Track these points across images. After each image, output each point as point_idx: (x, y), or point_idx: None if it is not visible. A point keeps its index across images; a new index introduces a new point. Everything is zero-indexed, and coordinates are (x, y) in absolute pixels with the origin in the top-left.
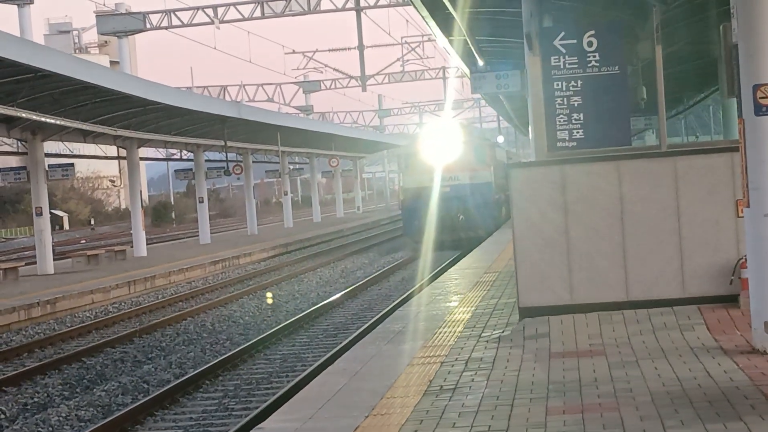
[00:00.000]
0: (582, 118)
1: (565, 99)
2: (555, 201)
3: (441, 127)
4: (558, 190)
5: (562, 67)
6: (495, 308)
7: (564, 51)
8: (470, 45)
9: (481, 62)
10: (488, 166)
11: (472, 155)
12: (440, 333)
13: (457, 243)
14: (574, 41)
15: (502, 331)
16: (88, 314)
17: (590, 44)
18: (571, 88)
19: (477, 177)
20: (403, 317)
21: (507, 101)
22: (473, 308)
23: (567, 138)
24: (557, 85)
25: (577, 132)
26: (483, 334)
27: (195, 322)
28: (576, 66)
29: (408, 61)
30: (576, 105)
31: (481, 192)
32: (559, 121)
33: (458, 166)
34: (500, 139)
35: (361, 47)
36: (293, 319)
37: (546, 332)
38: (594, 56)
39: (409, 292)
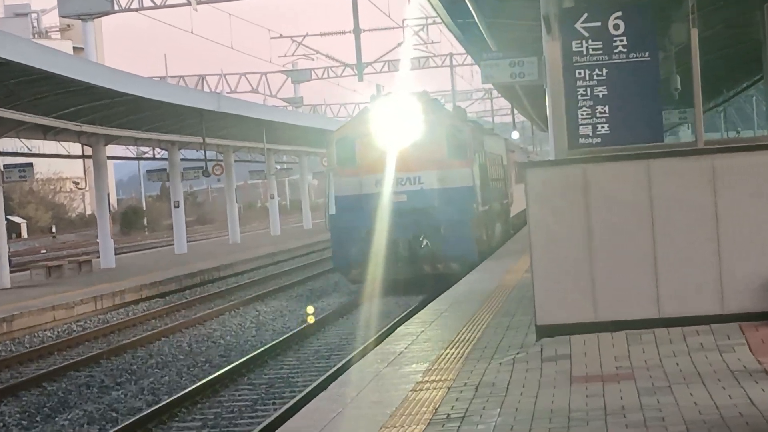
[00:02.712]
0: (607, 112)
1: (589, 89)
2: (576, 205)
3: (392, 99)
4: (580, 192)
5: (584, 53)
6: (509, 327)
7: (587, 35)
8: (480, 28)
9: (493, 48)
10: (469, 160)
11: (443, 144)
12: (447, 354)
13: (419, 282)
14: (599, 24)
15: (517, 353)
16: (49, 334)
17: (617, 27)
18: (595, 77)
19: (450, 178)
20: (404, 335)
21: (522, 92)
22: (484, 326)
23: (590, 134)
24: (579, 73)
25: (602, 127)
26: (495, 356)
27: (170, 343)
28: (601, 52)
29: (410, 46)
30: (601, 96)
31: (457, 201)
32: (582, 115)
33: (420, 162)
34: (515, 135)
35: (357, 31)
36: (281, 339)
37: (567, 353)
38: (621, 41)
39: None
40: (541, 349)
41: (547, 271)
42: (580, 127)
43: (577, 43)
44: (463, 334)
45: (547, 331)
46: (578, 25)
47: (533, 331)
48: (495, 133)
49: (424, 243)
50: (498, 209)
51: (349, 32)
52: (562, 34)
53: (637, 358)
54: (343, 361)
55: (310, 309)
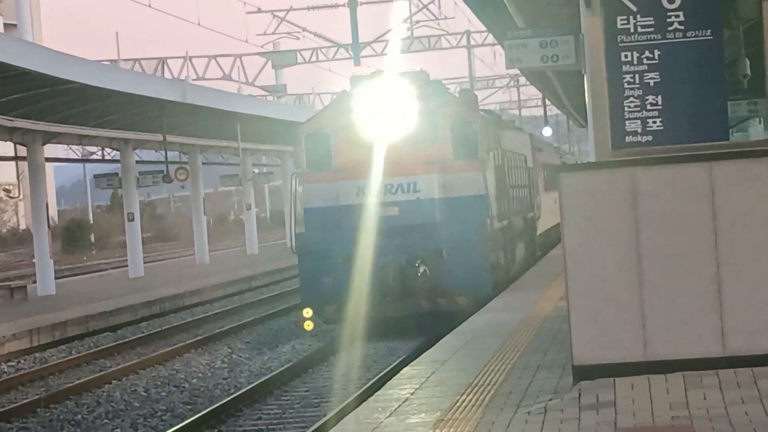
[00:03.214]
0: (660, 103)
1: (637, 76)
2: (622, 218)
3: (378, 81)
4: (627, 202)
5: (632, 31)
6: (539, 367)
7: (635, 9)
8: (505, 0)
9: (520, 25)
10: (480, 161)
11: (447, 140)
12: (463, 401)
13: (416, 321)
14: None
15: (550, 399)
16: None
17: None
18: (645, 61)
19: (456, 184)
20: (411, 377)
21: (556, 79)
22: (509, 367)
23: (639, 130)
24: (626, 56)
25: (654, 122)
26: (523, 404)
27: (122, 387)
28: (652, 30)
29: (418, 23)
30: (652, 84)
31: (464, 215)
32: (629, 107)
33: (416, 163)
34: (547, 131)
35: (353, 4)
36: (259, 381)
37: (611, 400)
38: (677, 16)
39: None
40: (579, 394)
41: (586, 300)
42: (627, 123)
43: (622, 19)
44: (483, 376)
45: (586, 373)
46: None
47: (569, 372)
48: (517, 127)
49: (422, 270)
50: (520, 225)
51: (344, 6)
52: (605, 8)
53: (697, 405)
54: (335, 410)
55: (307, 312)
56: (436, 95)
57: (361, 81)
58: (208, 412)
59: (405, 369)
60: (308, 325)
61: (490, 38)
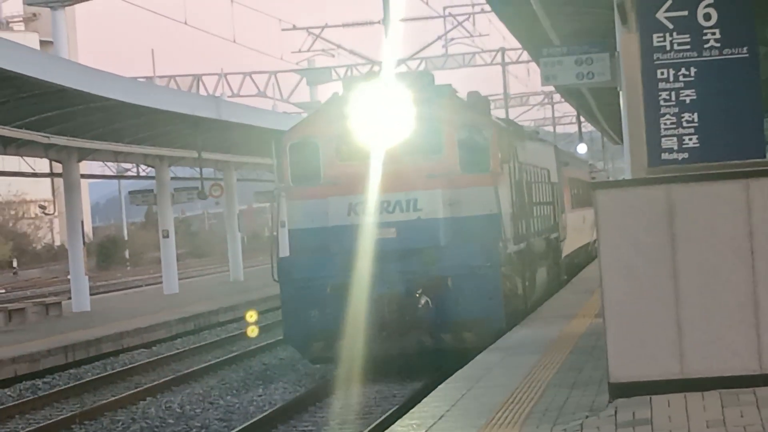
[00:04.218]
0: (696, 120)
1: (673, 93)
2: (659, 235)
3: (374, 83)
4: (663, 219)
5: (668, 48)
6: (575, 384)
7: (671, 26)
8: (540, 18)
9: (555, 42)
10: (493, 174)
11: (454, 150)
12: (498, 418)
13: (417, 360)
14: (686, 13)
15: (586, 416)
16: (9, 393)
17: (708, 17)
18: (681, 79)
19: (464, 201)
20: (445, 396)
21: (591, 96)
22: (545, 383)
23: (675, 147)
24: (662, 73)
25: (690, 139)
26: (558, 421)
27: (157, 404)
28: (688, 47)
29: (453, 40)
30: (688, 102)
31: (474, 237)
32: (665, 125)
33: (417, 177)
34: (582, 148)
35: (387, 21)
36: (294, 397)
37: (647, 417)
38: (713, 33)
39: None
40: (616, 412)
41: (622, 316)
42: (663, 140)
43: (658, 37)
44: (518, 393)
45: (622, 390)
46: (660, 15)
47: (605, 389)
48: (539, 137)
49: (423, 302)
50: (541, 247)
51: (378, 23)
52: (641, 26)
53: (735, 422)
54: (376, 423)
55: (251, 315)
56: (440, 99)
57: (355, 83)
58: (243, 428)
59: (440, 386)
60: (252, 331)
61: (525, 55)
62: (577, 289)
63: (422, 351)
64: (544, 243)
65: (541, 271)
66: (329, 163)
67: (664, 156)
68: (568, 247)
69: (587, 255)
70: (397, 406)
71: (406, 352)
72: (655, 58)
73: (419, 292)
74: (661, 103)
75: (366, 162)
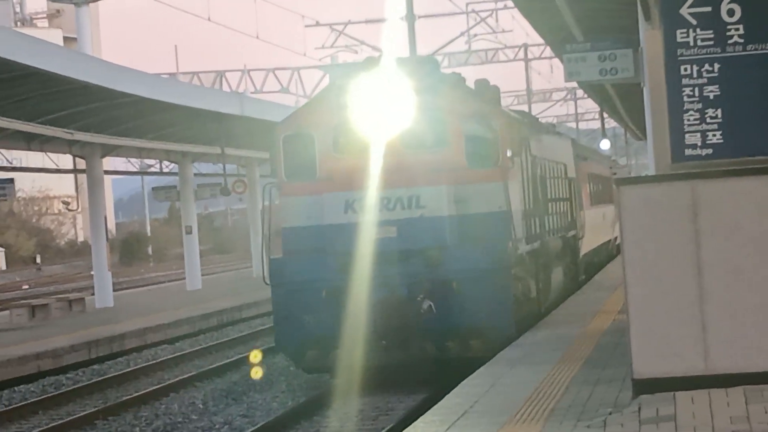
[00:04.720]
0: (720, 116)
1: (697, 89)
2: (683, 231)
3: (374, 69)
4: (687, 216)
5: (691, 44)
6: (599, 381)
7: (695, 22)
8: (563, 13)
9: (578, 38)
10: (502, 169)
11: (459, 143)
12: (521, 414)
13: (419, 371)
14: (709, 9)
15: (610, 412)
16: (32, 389)
17: (731, 13)
18: (704, 74)
19: (471, 198)
20: (468, 393)
21: (614, 92)
22: (568, 379)
23: (699, 143)
24: (685, 69)
25: (714, 135)
26: (582, 417)
27: (180, 400)
28: (711, 43)
29: (476, 36)
30: (712, 98)
31: (481, 237)
32: (689, 121)
33: (420, 171)
34: (605, 144)
35: (410, 18)
36: (318, 393)
37: (671, 414)
38: (737, 29)
39: None
40: (639, 408)
41: (646, 313)
42: (687, 136)
43: (682, 33)
44: (542, 389)
45: (646, 387)
46: (684, 11)
47: (629, 386)
48: (555, 131)
49: (426, 307)
50: (557, 246)
51: (402, 19)
52: (664, 22)
53: (759, 419)
54: (396, 421)
55: (256, 356)
56: (447, 88)
57: (351, 69)
58: (266, 424)
59: (464, 381)
60: (256, 373)
61: (548, 51)
62: (599, 286)
63: (425, 360)
64: (560, 242)
65: (556, 272)
66: (325, 156)
67: (688, 152)
68: (586, 246)
69: (608, 253)
70: (392, 424)
71: (407, 362)
72: (678, 54)
73: (421, 296)
74: (685, 99)
75: (365, 155)
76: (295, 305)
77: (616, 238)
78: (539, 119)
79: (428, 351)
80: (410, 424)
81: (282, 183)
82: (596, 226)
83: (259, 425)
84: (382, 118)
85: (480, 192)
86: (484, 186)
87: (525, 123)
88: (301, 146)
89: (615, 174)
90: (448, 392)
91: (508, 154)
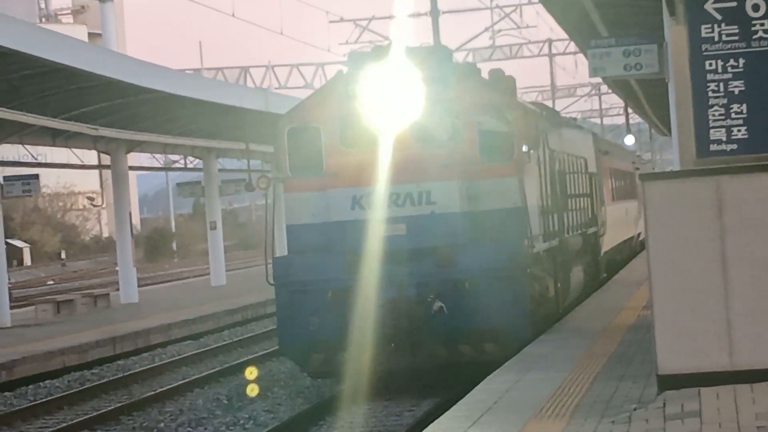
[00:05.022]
0: (745, 112)
1: (722, 84)
2: (708, 227)
3: (383, 58)
4: (712, 211)
5: (716, 39)
6: (623, 376)
7: (719, 17)
8: (588, 9)
9: (603, 33)
10: (517, 163)
11: (473, 136)
12: (546, 410)
13: (431, 375)
14: (734, 4)
15: (635, 408)
16: (57, 384)
17: (756, 8)
18: (729, 70)
19: (484, 194)
20: (491, 389)
21: (639, 88)
22: (593, 375)
23: (724, 139)
24: (710, 64)
25: (738, 130)
26: (607, 413)
27: (205, 395)
28: (736, 38)
29: (500, 31)
30: (737, 93)
31: (495, 235)
32: (713, 116)
33: (431, 166)
34: (629, 139)
35: (435, 13)
36: (343, 388)
37: (696, 410)
38: (762, 24)
39: None
40: (664, 404)
41: (671, 309)
42: (711, 131)
43: (707, 28)
44: (566, 385)
45: (671, 382)
46: (709, 6)
47: (654, 382)
48: (575, 124)
49: (437, 308)
50: (577, 244)
51: (426, 14)
52: (689, 17)
53: None
54: (415, 419)
55: (251, 372)
56: (459, 78)
57: (362, 59)
58: (290, 419)
59: (489, 377)
60: (252, 390)
61: (572, 46)
62: (624, 283)
63: (435, 365)
64: (580, 239)
65: (576, 271)
66: (332, 150)
67: (713, 147)
68: (608, 243)
69: (631, 250)
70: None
71: (417, 366)
72: (703, 49)
73: (432, 297)
74: (710, 94)
75: (373, 149)
76: (300, 306)
77: (639, 235)
78: (559, 112)
79: (439, 355)
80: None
81: (286, 178)
82: (618, 223)
83: (283, 420)
84: (391, 109)
85: (494, 187)
86: (498, 181)
87: (542, 115)
88: (307, 139)
89: (638, 169)
90: (461, 398)
91: (524, 147)
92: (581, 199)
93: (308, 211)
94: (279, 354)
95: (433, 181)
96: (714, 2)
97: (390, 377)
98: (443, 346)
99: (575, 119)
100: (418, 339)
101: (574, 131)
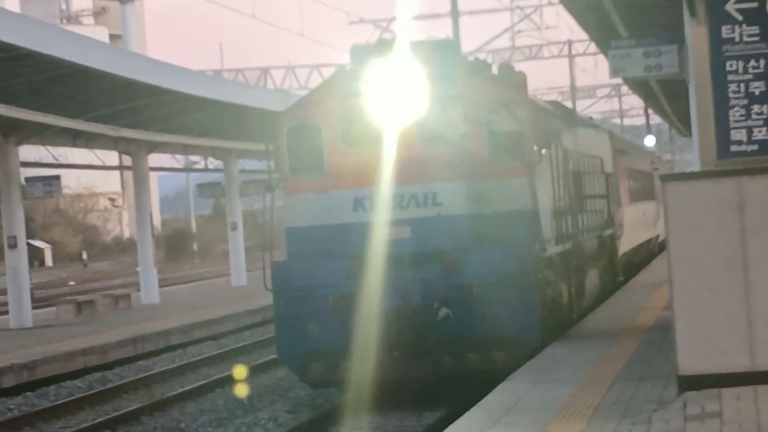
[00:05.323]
0: (766, 112)
1: (743, 85)
2: (729, 228)
3: (387, 53)
4: (733, 212)
5: (737, 40)
6: (643, 377)
7: (740, 18)
8: (608, 9)
9: (623, 34)
10: (528, 163)
11: (481, 134)
12: (566, 411)
13: (438, 383)
14: (755, 4)
15: (655, 409)
16: (78, 384)
17: None
18: (750, 71)
19: (493, 195)
20: (512, 390)
21: (659, 89)
22: (613, 376)
23: (745, 139)
24: (731, 65)
25: (759, 131)
26: (626, 414)
27: (226, 395)
28: (758, 39)
29: (520, 32)
30: (757, 94)
31: (504, 238)
32: (734, 117)
33: (437, 166)
34: (650, 140)
35: (455, 14)
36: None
37: (717, 411)
38: None
39: None
40: (684, 405)
41: (691, 310)
42: (732, 132)
43: (727, 29)
44: (585, 386)
45: (691, 383)
46: (729, 7)
47: (674, 383)
48: (591, 123)
49: (443, 315)
50: (592, 246)
51: (446, 15)
52: (710, 18)
53: None
54: (435, 419)
55: (240, 371)
56: (467, 73)
57: (365, 54)
58: (310, 420)
59: (507, 378)
60: (240, 389)
61: (592, 47)
62: (643, 284)
63: (442, 374)
64: (595, 242)
65: (591, 275)
66: (333, 149)
67: (734, 148)
68: (625, 245)
69: (649, 252)
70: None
71: (422, 376)
72: (724, 50)
73: (438, 303)
74: (731, 95)
75: (376, 148)
76: (299, 313)
77: (658, 236)
78: (574, 110)
79: (445, 364)
80: None
81: (286, 179)
82: (636, 224)
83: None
84: (395, 106)
85: (503, 188)
86: (508, 182)
87: (554, 113)
88: (307, 138)
89: (656, 169)
90: (468, 410)
91: (535, 146)
92: (596, 200)
93: (308, 213)
94: (277, 363)
95: (439, 182)
96: (735, 3)
97: (393, 388)
98: (449, 354)
99: (591, 118)
100: (423, 347)
101: (589, 130)
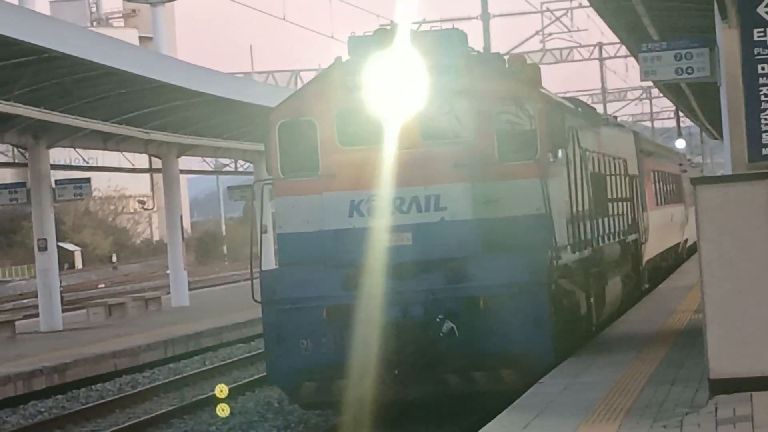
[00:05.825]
0: None
1: None
2: (760, 230)
3: (388, 42)
4: (765, 215)
5: None
6: (675, 380)
7: None
8: (639, 12)
9: (654, 37)
10: (541, 163)
11: (490, 132)
12: (597, 414)
13: (443, 404)
14: None
15: (686, 413)
16: (109, 387)
17: None
18: None
19: (502, 199)
20: (542, 393)
21: (690, 91)
22: (644, 379)
23: None
24: (762, 68)
25: None
26: (658, 417)
27: (256, 398)
28: None
29: (551, 35)
30: None
31: (515, 246)
32: (766, 120)
33: (442, 166)
34: (680, 143)
35: (485, 17)
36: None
37: (748, 414)
38: None
39: None
40: (716, 408)
41: (723, 313)
42: (764, 135)
43: (759, 32)
44: (616, 389)
45: (723, 387)
46: (761, 10)
47: (705, 386)
48: (615, 122)
49: (447, 329)
50: (614, 253)
51: (477, 18)
52: (741, 21)
53: None
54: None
55: (222, 390)
56: (474, 66)
57: (363, 44)
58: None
59: (539, 380)
60: (222, 410)
61: (623, 50)
62: (674, 287)
63: (446, 394)
64: (617, 248)
65: (613, 283)
66: (328, 148)
67: (765, 151)
68: (650, 251)
69: (677, 258)
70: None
71: (424, 396)
72: (755, 53)
73: (441, 317)
74: (762, 98)
75: (375, 147)
76: (290, 327)
77: (686, 241)
78: (595, 109)
79: (450, 383)
80: None
81: (277, 180)
82: (663, 229)
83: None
84: (396, 102)
85: (513, 190)
86: (519, 183)
87: (572, 110)
88: (301, 136)
89: (685, 171)
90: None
91: (549, 145)
92: (619, 203)
93: (301, 217)
94: (266, 382)
95: (443, 184)
96: (766, 6)
97: (393, 409)
98: (454, 373)
99: (615, 117)
100: (426, 365)
101: (612, 130)
